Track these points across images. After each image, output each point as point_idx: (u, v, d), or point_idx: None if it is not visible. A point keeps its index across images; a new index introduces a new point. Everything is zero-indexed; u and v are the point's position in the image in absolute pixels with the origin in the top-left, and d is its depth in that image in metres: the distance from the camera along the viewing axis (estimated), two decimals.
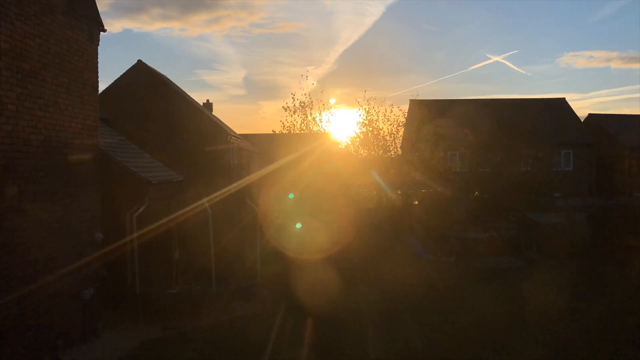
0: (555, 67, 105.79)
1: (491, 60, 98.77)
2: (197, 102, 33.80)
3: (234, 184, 18.91)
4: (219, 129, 28.48)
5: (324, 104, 39.42)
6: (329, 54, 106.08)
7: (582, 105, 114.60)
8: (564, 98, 39.90)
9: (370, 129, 30.33)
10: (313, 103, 39.23)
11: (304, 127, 39.12)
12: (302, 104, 39.14)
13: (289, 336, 12.41)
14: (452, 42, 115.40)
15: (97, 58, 12.27)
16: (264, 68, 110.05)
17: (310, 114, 39.11)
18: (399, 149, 31.08)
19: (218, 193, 16.11)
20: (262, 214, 17.63)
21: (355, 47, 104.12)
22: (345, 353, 11.49)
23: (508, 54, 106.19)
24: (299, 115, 39.25)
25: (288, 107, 39.25)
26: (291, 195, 21.27)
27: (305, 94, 38.90)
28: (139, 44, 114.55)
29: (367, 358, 11.34)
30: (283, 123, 39.99)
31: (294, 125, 39.52)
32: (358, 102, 31.65)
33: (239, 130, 34.08)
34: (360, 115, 30.69)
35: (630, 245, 22.06)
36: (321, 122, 39.10)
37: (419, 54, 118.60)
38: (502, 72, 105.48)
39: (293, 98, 38.90)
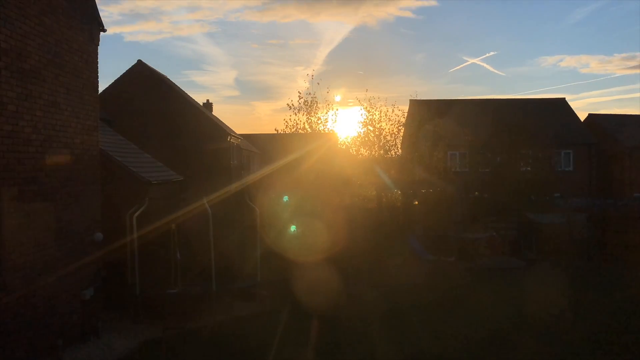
0: (534, 69, 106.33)
1: (469, 62, 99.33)
2: (197, 102, 33.82)
3: (234, 184, 18.90)
4: (219, 129, 28.52)
5: (328, 104, 39.07)
6: (316, 55, 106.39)
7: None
8: (564, 98, 39.90)
9: (372, 128, 30.33)
10: (318, 102, 38.96)
11: (308, 127, 38.91)
12: (307, 103, 38.92)
13: (289, 336, 12.40)
14: (430, 46, 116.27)
15: (97, 58, 12.29)
16: (253, 68, 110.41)
17: (315, 113, 38.89)
18: (399, 149, 31.11)
19: (218, 193, 16.09)
20: (262, 215, 17.60)
21: (341, 49, 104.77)
22: (347, 353, 11.48)
23: (485, 55, 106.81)
24: (303, 114, 39.01)
25: (293, 105, 39.03)
26: (286, 198, 21.14)
27: (309, 93, 38.31)
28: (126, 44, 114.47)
29: (369, 358, 11.33)
30: (287, 122, 39.84)
31: (297, 124, 39.32)
32: (358, 100, 31.61)
33: (235, 130, 34.04)
34: (361, 115, 30.69)
35: (630, 244, 22.04)
36: (327, 121, 38.85)
37: (402, 58, 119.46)
38: (484, 74, 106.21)
39: (299, 96, 38.59)
